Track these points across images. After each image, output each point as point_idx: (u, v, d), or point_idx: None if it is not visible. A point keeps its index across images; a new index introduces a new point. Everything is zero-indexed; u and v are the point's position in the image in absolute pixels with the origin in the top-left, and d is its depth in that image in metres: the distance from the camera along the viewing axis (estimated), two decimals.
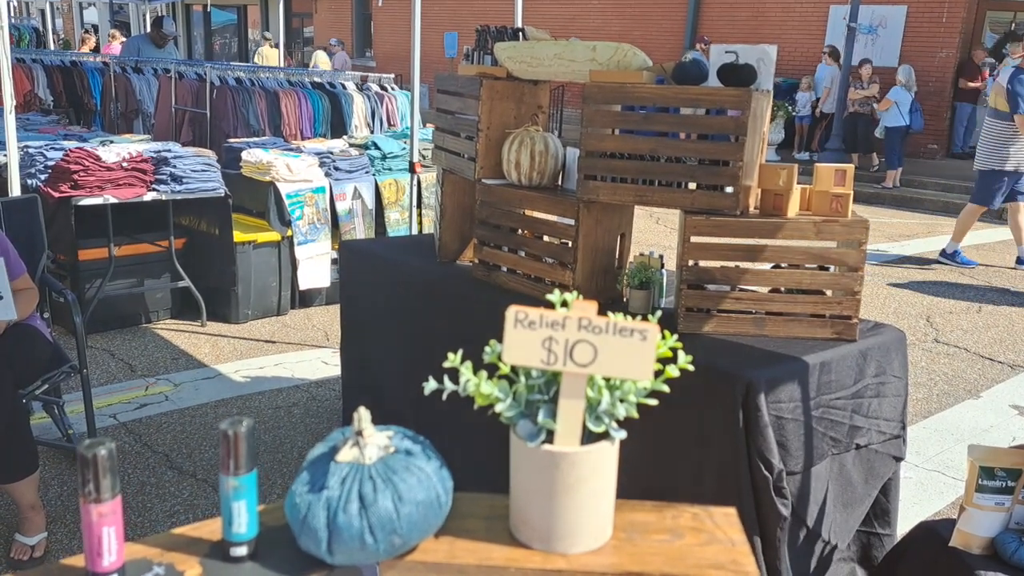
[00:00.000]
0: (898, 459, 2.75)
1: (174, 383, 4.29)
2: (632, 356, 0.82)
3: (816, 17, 14.28)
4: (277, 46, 10.87)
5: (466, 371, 0.88)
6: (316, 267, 5.49)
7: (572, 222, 2.93)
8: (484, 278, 3.25)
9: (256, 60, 14.72)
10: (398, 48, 17.25)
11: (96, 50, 13.58)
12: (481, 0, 15.14)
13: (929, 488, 3.60)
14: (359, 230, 5.74)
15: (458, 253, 3.57)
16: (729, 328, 2.70)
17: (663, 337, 0.88)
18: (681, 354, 0.85)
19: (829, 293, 2.72)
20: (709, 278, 2.74)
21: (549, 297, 0.84)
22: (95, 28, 24.15)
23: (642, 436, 2.59)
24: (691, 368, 1.01)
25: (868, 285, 6.83)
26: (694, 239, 2.68)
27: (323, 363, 4.63)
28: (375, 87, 7.59)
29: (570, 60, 2.99)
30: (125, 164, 4.53)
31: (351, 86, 7.42)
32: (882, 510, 2.79)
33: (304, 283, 5.46)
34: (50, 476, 3.35)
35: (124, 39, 12.03)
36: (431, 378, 1.12)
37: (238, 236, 5.08)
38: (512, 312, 0.80)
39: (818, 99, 13.22)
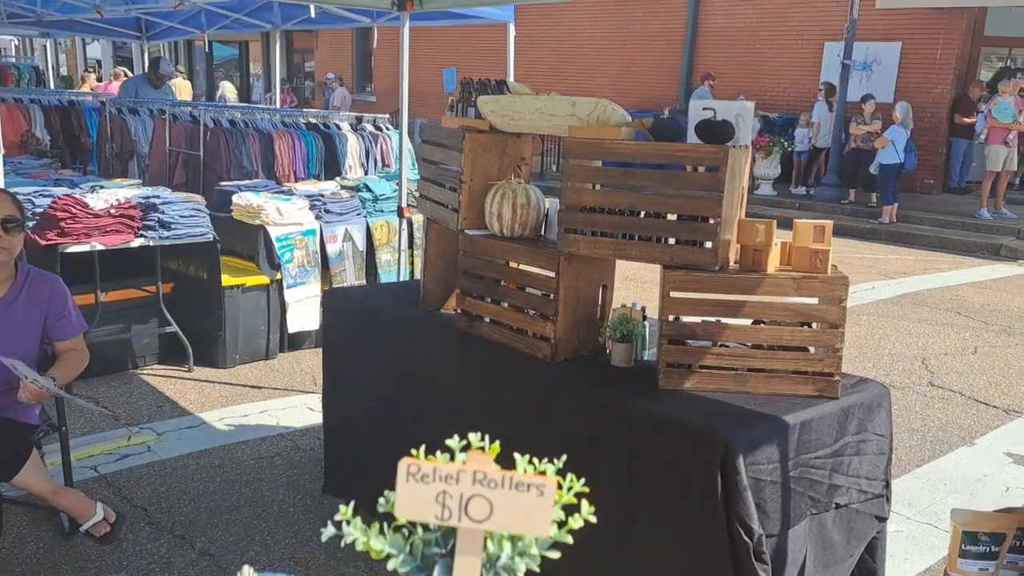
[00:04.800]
0: (881, 519, 2.70)
1: (157, 432, 4.25)
2: (529, 511, 0.77)
3: (811, 54, 14.40)
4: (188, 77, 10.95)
5: (355, 530, 0.83)
6: (306, 309, 5.47)
7: (553, 274, 2.92)
8: (466, 328, 3.23)
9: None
10: (398, 83, 17.43)
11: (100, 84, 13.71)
12: (482, 37, 15.29)
13: (921, 542, 3.54)
14: (349, 272, 5.73)
15: (442, 301, 3.56)
16: (710, 384, 2.67)
17: (568, 486, 0.81)
18: (584, 504, 0.80)
19: (812, 350, 2.69)
20: (690, 333, 2.71)
21: (448, 442, 0.81)
22: (99, 63, 24.42)
23: (619, 501, 2.56)
24: (591, 519, 0.89)
25: (863, 325, 6.80)
26: (673, 294, 2.66)
27: (309, 409, 4.60)
28: (370, 127, 7.63)
29: (551, 115, 3.00)
30: (113, 211, 4.53)
31: (346, 126, 7.46)
32: (868, 571, 2.74)
33: (293, 326, 5.44)
34: (26, 532, 3.30)
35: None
36: (329, 522, 1.00)
37: (227, 280, 5.07)
38: (404, 465, 0.76)
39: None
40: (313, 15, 7.29)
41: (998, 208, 11.69)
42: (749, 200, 12.77)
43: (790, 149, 13.45)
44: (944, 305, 7.64)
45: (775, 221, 2.64)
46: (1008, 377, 5.65)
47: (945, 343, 6.43)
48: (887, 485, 2.74)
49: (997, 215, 11.57)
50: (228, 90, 14.12)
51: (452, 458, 0.81)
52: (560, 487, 0.80)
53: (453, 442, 0.80)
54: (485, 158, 3.23)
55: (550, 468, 0.80)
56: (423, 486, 0.78)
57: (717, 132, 2.66)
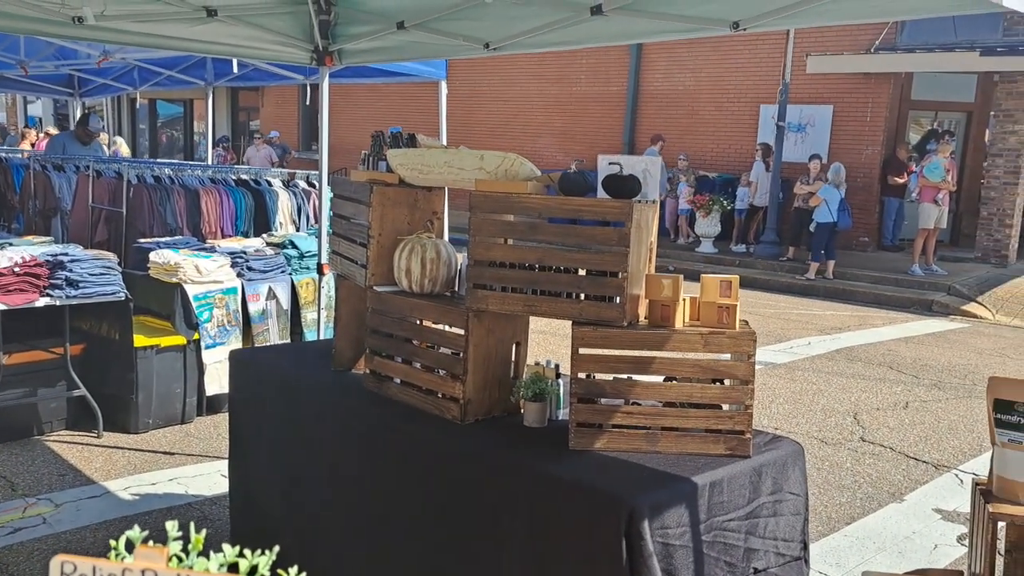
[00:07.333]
0: None
1: (55, 503, 3.98)
2: None
3: (748, 115, 14.78)
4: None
5: None
6: (225, 371, 5.25)
7: (462, 331, 2.82)
8: (375, 389, 3.10)
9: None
10: (344, 141, 17.39)
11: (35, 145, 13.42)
12: (423, 95, 15.39)
13: None
14: (273, 331, 5.55)
15: (354, 361, 3.42)
16: (621, 444, 2.57)
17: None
18: None
19: (726, 407, 2.62)
20: (600, 391, 2.63)
21: (111, 542, 0.70)
22: (42, 121, 24.01)
23: (529, 569, 2.43)
24: None
25: (798, 380, 6.80)
26: (583, 351, 2.58)
27: (222, 476, 4.36)
28: (303, 184, 7.52)
29: (459, 168, 2.94)
30: (16, 269, 4.32)
31: (277, 183, 7.34)
32: None
33: (212, 388, 5.22)
34: None
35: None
36: None
37: (140, 340, 4.86)
38: (57, 564, 0.65)
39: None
40: (236, 71, 7.22)
41: (929, 264, 11.99)
42: (691, 258, 12.86)
43: (730, 208, 13.68)
44: (877, 360, 7.71)
45: (681, 276, 2.58)
46: (938, 432, 5.67)
47: (877, 398, 6.45)
48: (805, 547, 2.66)
49: (928, 271, 11.86)
50: (121, 146, 13.81)
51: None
52: None
53: (120, 541, 0.68)
54: (394, 212, 3.15)
55: (263, 560, 0.68)
56: None
57: (623, 187, 2.62)
